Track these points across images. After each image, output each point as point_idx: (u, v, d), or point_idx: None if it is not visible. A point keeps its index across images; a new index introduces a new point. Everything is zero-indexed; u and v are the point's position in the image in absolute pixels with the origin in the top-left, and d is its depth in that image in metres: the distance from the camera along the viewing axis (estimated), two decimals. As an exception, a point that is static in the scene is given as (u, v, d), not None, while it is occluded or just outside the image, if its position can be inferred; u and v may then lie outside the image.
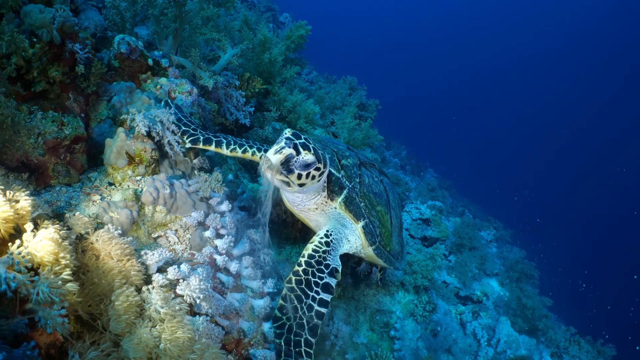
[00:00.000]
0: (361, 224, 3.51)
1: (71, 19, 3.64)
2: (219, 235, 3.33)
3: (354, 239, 3.58)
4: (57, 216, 2.74)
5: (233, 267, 3.20)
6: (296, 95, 5.72)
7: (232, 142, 3.60)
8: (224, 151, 3.58)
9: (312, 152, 2.94)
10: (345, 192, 3.45)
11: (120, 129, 3.37)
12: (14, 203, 1.94)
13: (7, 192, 1.96)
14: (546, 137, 47.01)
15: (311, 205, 3.44)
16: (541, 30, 59.32)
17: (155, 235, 3.14)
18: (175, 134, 3.45)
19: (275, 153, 2.84)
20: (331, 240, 3.34)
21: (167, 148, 3.43)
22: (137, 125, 3.28)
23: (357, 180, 3.61)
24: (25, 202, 1.98)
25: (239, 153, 3.61)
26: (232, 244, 3.30)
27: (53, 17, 3.47)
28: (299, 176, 2.97)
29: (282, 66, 5.87)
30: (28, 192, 2.08)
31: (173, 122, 3.43)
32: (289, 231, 4.71)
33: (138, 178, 3.31)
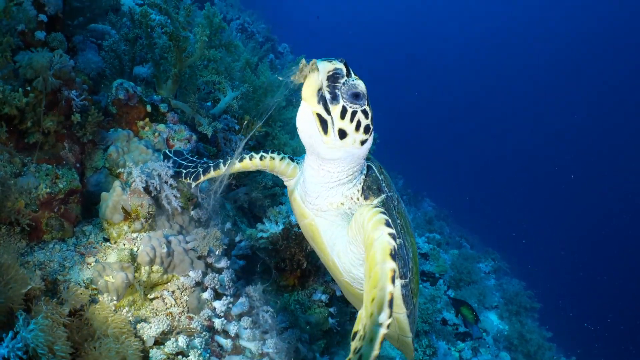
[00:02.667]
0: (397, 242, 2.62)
1: (68, 64, 3.57)
2: (217, 295, 3.22)
3: None
4: (51, 283, 2.63)
5: (232, 329, 3.09)
6: (297, 142, 5.62)
7: (228, 159, 3.24)
8: (223, 170, 3.20)
9: (365, 88, 2.23)
10: (384, 196, 2.63)
11: (117, 183, 3.28)
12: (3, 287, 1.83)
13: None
14: (542, 162, 47.31)
15: (338, 196, 2.54)
16: (540, 55, 60.24)
17: (152, 296, 3.02)
18: (173, 188, 3.35)
19: (324, 61, 2.18)
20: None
21: (164, 202, 3.33)
22: (134, 181, 3.19)
23: (396, 195, 2.82)
24: (14, 284, 1.87)
25: (236, 165, 3.12)
26: (230, 305, 3.19)
27: (50, 62, 3.40)
28: (343, 111, 2.17)
29: (284, 107, 5.83)
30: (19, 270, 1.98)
31: (171, 176, 3.33)
32: (287, 278, 4.60)
33: (134, 235, 3.21)
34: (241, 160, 3.09)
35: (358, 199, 2.54)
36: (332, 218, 2.55)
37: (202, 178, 3.24)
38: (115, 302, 2.67)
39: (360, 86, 2.18)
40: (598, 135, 49.97)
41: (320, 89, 2.12)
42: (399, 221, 2.64)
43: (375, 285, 1.88)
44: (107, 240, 3.27)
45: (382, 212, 2.25)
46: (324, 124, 2.18)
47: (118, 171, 3.45)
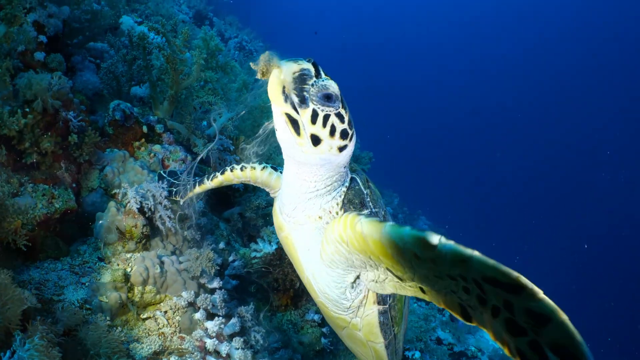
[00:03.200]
0: None
1: (66, 86, 3.64)
2: (209, 316, 3.25)
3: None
4: (46, 303, 2.66)
5: (224, 349, 3.11)
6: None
7: (212, 173, 3.10)
8: (207, 185, 3.10)
9: (338, 89, 2.03)
10: (366, 212, 2.33)
11: (112, 204, 3.33)
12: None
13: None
14: (541, 179, 47.42)
15: (315, 209, 2.29)
16: (537, 69, 60.63)
17: (145, 316, 3.05)
18: (167, 209, 3.40)
19: (289, 61, 1.98)
20: None
21: (158, 223, 3.38)
22: (129, 202, 3.24)
23: (382, 212, 2.52)
24: (11, 305, 1.92)
25: (219, 177, 3.02)
26: (222, 325, 3.21)
27: (49, 84, 3.47)
28: (314, 116, 1.97)
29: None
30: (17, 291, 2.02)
31: (165, 197, 3.39)
32: (280, 298, 4.62)
33: (128, 255, 3.25)
34: (223, 172, 2.99)
35: (337, 212, 2.27)
36: (309, 232, 2.29)
37: (189, 194, 3.26)
38: (108, 322, 2.70)
39: (332, 87, 1.98)
40: (601, 157, 50.09)
41: (284, 88, 1.93)
42: None
43: None
44: (101, 259, 3.31)
45: (356, 214, 2.02)
46: (295, 124, 1.99)
47: (114, 192, 3.50)
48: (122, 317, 2.93)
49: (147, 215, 3.37)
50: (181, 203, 3.42)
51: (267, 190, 2.97)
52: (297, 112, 1.95)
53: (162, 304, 3.16)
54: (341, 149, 2.08)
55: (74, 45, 4.91)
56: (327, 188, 2.23)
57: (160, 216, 3.37)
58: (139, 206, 3.23)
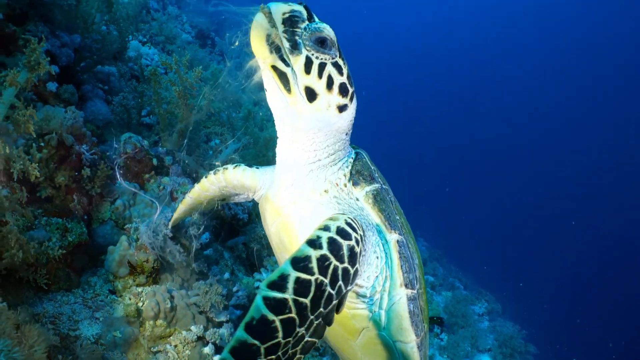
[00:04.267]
0: (395, 236, 1.97)
1: (80, 120, 3.76)
2: (217, 350, 3.34)
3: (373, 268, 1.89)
4: (63, 339, 2.75)
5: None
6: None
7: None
8: (188, 200, 2.90)
9: (334, 35, 1.78)
10: (377, 185, 2.05)
11: (124, 238, 3.43)
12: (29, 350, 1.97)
13: (22, 340, 1.99)
14: (540, 202, 47.39)
15: (320, 182, 2.01)
16: (537, 88, 60.86)
17: (155, 349, 3.14)
18: (177, 243, 3.50)
19: (277, 2, 1.74)
20: (360, 237, 1.72)
21: (168, 257, 3.48)
22: (141, 237, 3.34)
23: (392, 194, 2.23)
24: (38, 347, 2.01)
25: (196, 188, 2.76)
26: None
27: (63, 119, 3.58)
28: (308, 63, 1.71)
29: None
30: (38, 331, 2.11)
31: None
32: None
33: (139, 289, 3.35)
34: (199, 182, 2.74)
35: (345, 185, 2.03)
36: (313, 210, 1.96)
37: (175, 216, 3.23)
38: (122, 357, 2.79)
39: (326, 30, 1.73)
40: (603, 179, 50.04)
41: (269, 36, 1.67)
42: (398, 217, 2.05)
43: None
44: (112, 292, 3.40)
45: (376, 200, 1.95)
46: (283, 78, 1.73)
47: (125, 225, 3.60)
48: (134, 351, 3.02)
49: (157, 250, 3.46)
50: (170, 227, 3.31)
51: (247, 196, 2.65)
52: (286, 64, 1.71)
53: (171, 337, 3.25)
54: (341, 108, 1.84)
55: (82, 70, 5.01)
56: (330, 157, 2.00)
57: (170, 250, 3.47)
58: (150, 241, 3.34)
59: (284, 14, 1.68)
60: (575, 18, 58.55)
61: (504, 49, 65.20)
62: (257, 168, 2.45)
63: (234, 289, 4.42)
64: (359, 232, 1.71)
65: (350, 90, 1.84)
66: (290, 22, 1.67)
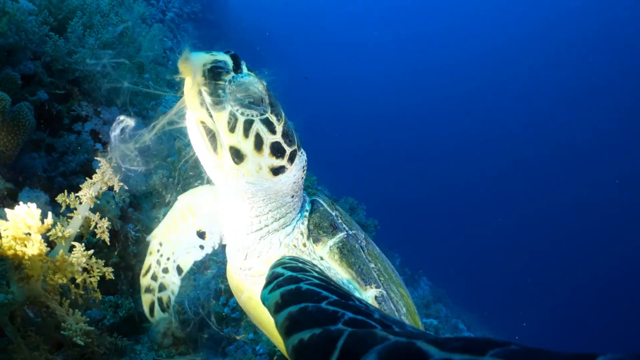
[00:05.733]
0: (372, 292, 1.75)
1: (127, 201, 4.23)
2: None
3: None
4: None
5: None
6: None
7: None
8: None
9: (266, 89, 1.60)
10: (341, 234, 1.84)
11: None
12: None
13: None
14: (543, 232, 46.66)
15: (275, 248, 1.83)
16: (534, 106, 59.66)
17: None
18: (211, 314, 3.96)
19: (201, 52, 1.58)
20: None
21: (206, 328, 3.93)
22: (185, 312, 3.79)
23: (362, 235, 2.02)
24: None
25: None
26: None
27: (115, 205, 4.04)
28: (232, 120, 1.53)
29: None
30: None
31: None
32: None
33: (181, 359, 3.78)
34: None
35: (304, 244, 1.82)
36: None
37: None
38: None
39: (255, 84, 1.56)
40: (605, 203, 49.13)
41: (201, 81, 1.52)
42: (373, 265, 1.86)
43: None
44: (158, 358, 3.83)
45: (342, 254, 1.73)
46: (213, 139, 1.58)
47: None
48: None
49: (198, 324, 3.92)
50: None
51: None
52: (211, 111, 1.54)
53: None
54: (275, 171, 1.64)
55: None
56: (279, 222, 1.81)
57: (209, 323, 3.92)
58: (193, 316, 3.79)
59: (204, 65, 1.52)
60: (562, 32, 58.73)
61: (494, 65, 64.80)
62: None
63: (257, 347, 4.84)
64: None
65: (288, 150, 1.65)
66: (213, 74, 1.51)
